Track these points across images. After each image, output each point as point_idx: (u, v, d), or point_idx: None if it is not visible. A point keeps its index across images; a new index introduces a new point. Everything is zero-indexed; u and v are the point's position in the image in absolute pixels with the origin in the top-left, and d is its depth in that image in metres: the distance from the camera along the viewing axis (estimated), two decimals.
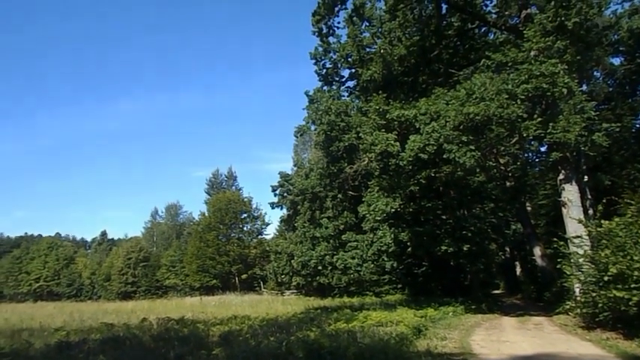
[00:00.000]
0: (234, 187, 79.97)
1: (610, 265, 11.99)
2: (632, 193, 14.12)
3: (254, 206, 70.82)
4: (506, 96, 15.71)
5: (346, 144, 20.96)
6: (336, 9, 21.81)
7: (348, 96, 24.61)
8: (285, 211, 40.48)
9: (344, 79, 24.32)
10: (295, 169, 42.37)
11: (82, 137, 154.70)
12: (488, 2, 22.33)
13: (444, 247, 24.27)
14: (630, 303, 11.35)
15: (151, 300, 54.08)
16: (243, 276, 65.68)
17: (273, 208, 35.31)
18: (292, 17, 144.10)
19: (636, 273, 11.33)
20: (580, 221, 16.32)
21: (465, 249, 24.34)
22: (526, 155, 26.79)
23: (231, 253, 65.98)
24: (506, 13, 21.65)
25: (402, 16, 21.87)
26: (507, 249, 41.33)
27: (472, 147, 16.53)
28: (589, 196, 23.58)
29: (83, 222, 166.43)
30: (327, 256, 29.64)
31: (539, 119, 16.51)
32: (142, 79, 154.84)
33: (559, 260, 16.15)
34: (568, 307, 16.40)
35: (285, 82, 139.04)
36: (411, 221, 26.32)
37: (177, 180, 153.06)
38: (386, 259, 28.13)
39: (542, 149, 21.33)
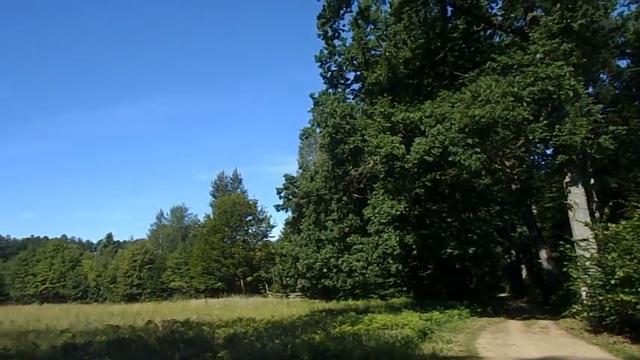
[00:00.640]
0: (239, 190, 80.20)
1: (617, 269, 11.91)
2: (638, 196, 14.03)
3: (259, 209, 71.14)
4: (512, 98, 15.66)
5: (351, 146, 20.95)
6: (342, 12, 21.84)
7: (353, 98, 24.65)
8: (290, 213, 40.62)
9: (349, 82, 24.42)
10: (300, 171, 42.49)
11: (87, 140, 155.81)
12: (493, 5, 22.26)
13: (449, 250, 24.22)
14: (637, 307, 11.27)
15: (156, 302, 54.23)
16: (249, 278, 65.75)
17: (278, 210, 35.48)
18: (297, 19, 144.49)
19: None
20: (586, 224, 16.21)
21: (470, 252, 24.29)
22: (532, 158, 26.63)
23: (237, 255, 66.06)
24: (512, 15, 21.61)
25: (407, 18, 21.84)
26: (513, 252, 41.17)
27: (477, 149, 16.49)
28: (595, 199, 23.45)
29: (89, 224, 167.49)
30: (332, 259, 29.70)
31: (545, 122, 16.42)
32: (147, 82, 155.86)
33: (565, 263, 16.03)
34: (574, 310, 16.30)
35: (290, 84, 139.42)
36: (417, 224, 26.30)
37: (182, 182, 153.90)
38: (391, 261, 28.09)
39: (548, 152, 21.20)
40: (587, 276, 14.18)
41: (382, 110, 19.06)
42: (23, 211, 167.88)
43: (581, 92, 16.20)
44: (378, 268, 29.34)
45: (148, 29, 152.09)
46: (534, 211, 31.79)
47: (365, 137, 19.79)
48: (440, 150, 16.83)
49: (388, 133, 18.68)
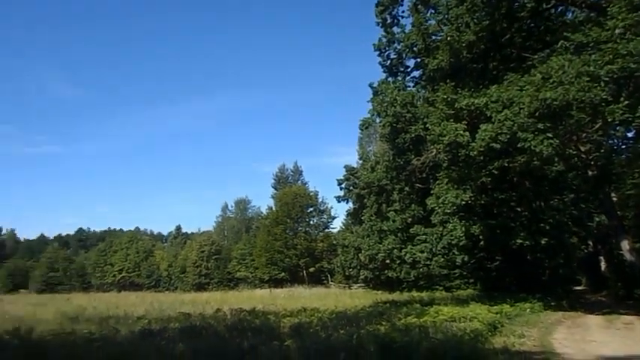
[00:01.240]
0: (300, 182, 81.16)
1: None
2: None
3: (320, 200, 71.67)
4: (588, 78, 14.58)
5: (413, 135, 20.47)
6: None
7: (413, 86, 24.14)
8: (351, 204, 40.47)
9: (409, 70, 23.88)
10: (361, 162, 42.13)
11: (157, 137, 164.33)
12: None
13: (519, 241, 23.26)
14: None
15: (223, 291, 56.36)
16: (311, 269, 66.64)
17: (339, 201, 35.53)
18: (355, 10, 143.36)
19: None
20: None
21: (542, 242, 23.24)
22: (611, 142, 24.80)
23: (299, 246, 67.09)
24: None
25: (469, 0, 20.97)
26: (590, 243, 38.74)
27: (549, 134, 15.56)
28: None
29: (159, 217, 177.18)
30: (395, 250, 29.33)
31: (626, 102, 15.12)
32: (212, 78, 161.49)
33: None
34: None
35: (349, 75, 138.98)
36: (483, 214, 25.41)
37: (245, 175, 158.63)
38: (457, 252, 27.32)
39: (630, 135, 19.66)
40: None
41: (445, 97, 18.46)
42: (100, 205, 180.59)
43: None
44: (442, 259, 28.62)
45: (210, 24, 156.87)
46: (614, 199, 29.53)
47: (427, 125, 19.29)
48: (508, 136, 16.04)
49: (451, 120, 18.07)
